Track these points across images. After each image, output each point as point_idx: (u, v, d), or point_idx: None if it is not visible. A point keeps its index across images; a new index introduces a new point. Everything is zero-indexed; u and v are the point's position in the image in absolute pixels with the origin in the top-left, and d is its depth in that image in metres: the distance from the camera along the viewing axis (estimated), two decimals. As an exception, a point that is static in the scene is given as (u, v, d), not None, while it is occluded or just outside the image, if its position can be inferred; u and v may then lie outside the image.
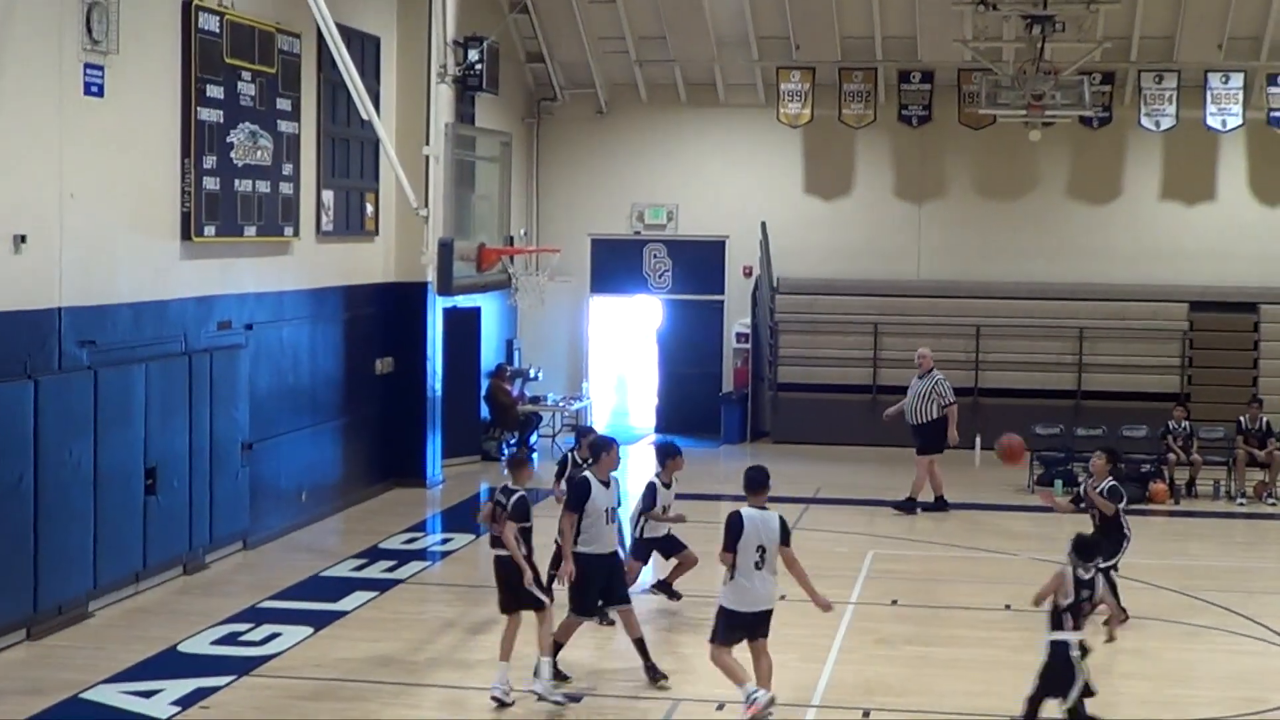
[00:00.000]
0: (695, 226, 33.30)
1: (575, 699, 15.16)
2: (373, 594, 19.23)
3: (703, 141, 33.20)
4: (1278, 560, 23.48)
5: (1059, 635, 13.57)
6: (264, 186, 21.57)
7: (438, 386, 26.98)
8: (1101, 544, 14.44)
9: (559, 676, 15.56)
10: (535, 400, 31.45)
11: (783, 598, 19.12)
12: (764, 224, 32.15)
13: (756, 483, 14.72)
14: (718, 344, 33.44)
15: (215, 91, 20.26)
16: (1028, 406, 29.82)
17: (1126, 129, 31.51)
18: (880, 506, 24.91)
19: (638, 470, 23.71)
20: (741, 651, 14.50)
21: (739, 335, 32.98)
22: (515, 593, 15.21)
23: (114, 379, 17.99)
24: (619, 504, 16.34)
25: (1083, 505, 18.15)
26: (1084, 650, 13.45)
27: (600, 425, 32.92)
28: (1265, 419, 27.06)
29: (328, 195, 23.87)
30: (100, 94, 17.98)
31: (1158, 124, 30.97)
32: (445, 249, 22.56)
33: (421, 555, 21.76)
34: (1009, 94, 27.65)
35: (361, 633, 17.49)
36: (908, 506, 24.74)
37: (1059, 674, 13.51)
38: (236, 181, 20.85)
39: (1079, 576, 13.72)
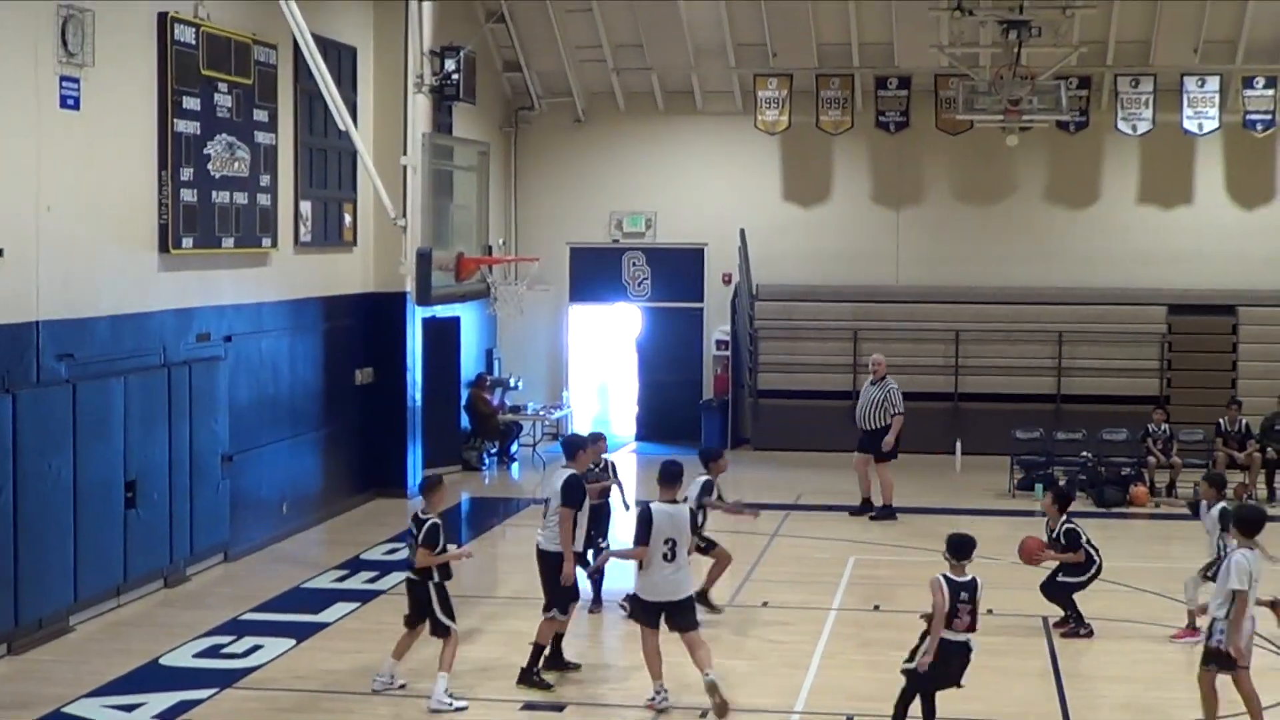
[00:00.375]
0: (674, 234, 33.31)
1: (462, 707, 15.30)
2: (355, 605, 19.21)
3: (681, 149, 33.22)
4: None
5: (949, 635, 13.76)
6: (242, 198, 21.54)
7: (418, 396, 26.96)
8: (974, 542, 14.48)
9: (567, 667, 16.20)
10: (515, 409, 31.42)
11: (765, 604, 19.24)
12: (743, 231, 32.17)
13: (670, 477, 15.34)
14: (698, 351, 33.44)
15: (192, 103, 20.22)
16: (1008, 411, 29.89)
17: (1103, 133, 31.57)
18: (904, 514, 24.91)
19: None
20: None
21: (719, 342, 32.99)
22: (419, 613, 15.59)
23: (93, 392, 17.96)
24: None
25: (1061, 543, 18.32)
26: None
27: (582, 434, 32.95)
28: (1244, 421, 27.14)
29: (305, 206, 23.85)
30: (76, 107, 17.95)
31: (1134, 128, 31.02)
32: (424, 259, 22.55)
33: (403, 566, 21.57)
34: (986, 99, 27.69)
35: (344, 644, 17.47)
36: (885, 513, 24.76)
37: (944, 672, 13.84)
38: (214, 193, 20.81)
39: (952, 579, 13.83)
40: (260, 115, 22.08)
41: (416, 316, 26.75)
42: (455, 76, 26.67)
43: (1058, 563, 18.18)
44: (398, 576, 20.79)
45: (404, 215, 22.29)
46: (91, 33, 17.96)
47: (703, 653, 14.97)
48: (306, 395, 24.14)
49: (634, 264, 33.53)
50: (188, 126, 20.15)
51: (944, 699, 15.20)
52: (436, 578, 15.49)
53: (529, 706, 15.27)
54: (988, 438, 28.95)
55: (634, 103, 33.19)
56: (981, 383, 31.40)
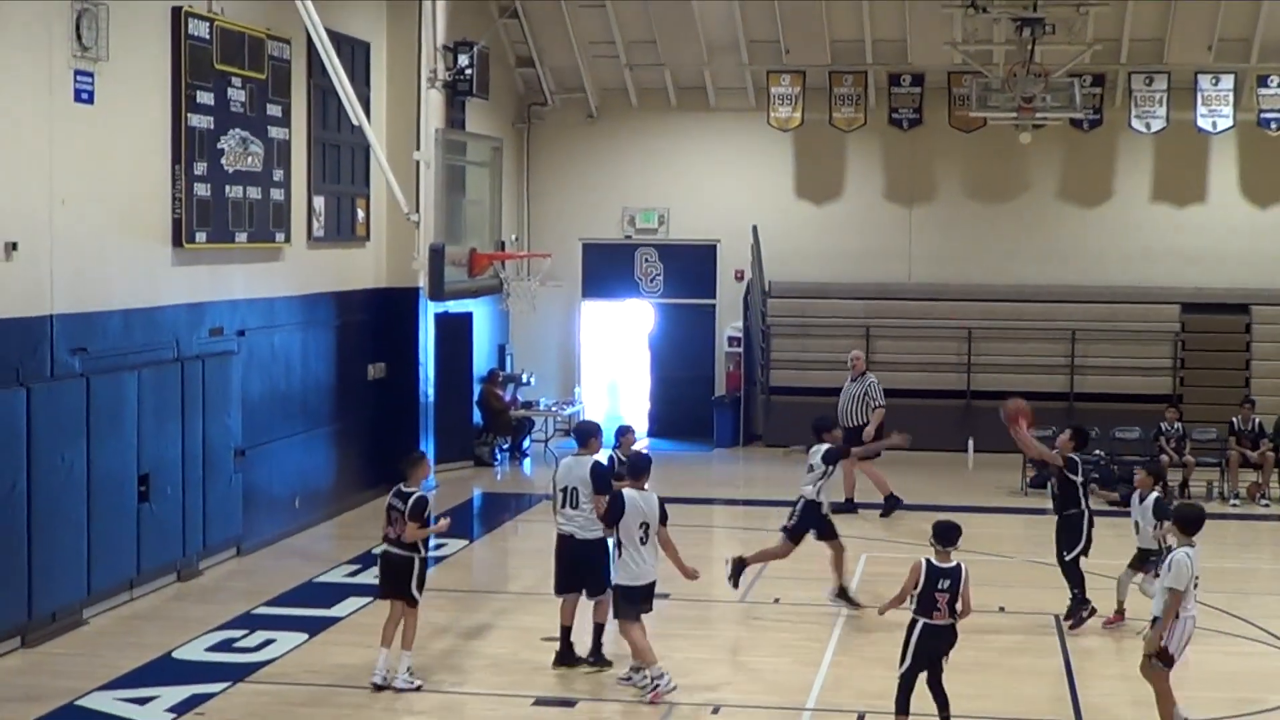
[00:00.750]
0: (686, 230, 33.30)
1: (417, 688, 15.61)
2: (367, 599, 19.17)
3: (693, 146, 33.20)
4: (1272, 561, 23.54)
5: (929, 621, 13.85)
6: (255, 192, 21.55)
7: (430, 392, 26.97)
8: (959, 529, 14.48)
9: (603, 661, 16.35)
10: (528, 405, 31.42)
11: (776, 601, 19.24)
12: (755, 228, 32.14)
13: (639, 468, 15.84)
14: (710, 348, 33.42)
15: (205, 98, 20.24)
16: (1020, 409, 29.82)
17: (1117, 131, 31.52)
18: (871, 510, 24.87)
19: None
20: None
21: (731, 339, 32.96)
22: (397, 585, 15.78)
23: (106, 386, 17.98)
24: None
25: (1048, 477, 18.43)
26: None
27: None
28: (1258, 420, 27.08)
29: (318, 201, 23.86)
30: (90, 101, 17.97)
31: (1148, 126, 30.97)
32: (436, 254, 22.64)
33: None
34: (999, 97, 27.66)
35: (356, 638, 17.45)
36: (888, 506, 24.72)
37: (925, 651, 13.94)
38: (227, 188, 20.83)
39: (935, 565, 13.89)
40: (274, 110, 22.09)
41: (429, 312, 26.76)
42: (468, 72, 26.71)
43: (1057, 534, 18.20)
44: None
45: (417, 210, 22.35)
46: (105, 27, 17.98)
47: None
48: (319, 390, 24.15)
49: (646, 260, 33.52)
50: (201, 121, 20.16)
51: (956, 698, 15.19)
52: (423, 552, 15.80)
53: (540, 702, 15.27)
54: (1000, 436, 28.57)
55: (647, 99, 33.18)
56: (994, 380, 31.30)
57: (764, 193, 32.95)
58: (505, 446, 30.29)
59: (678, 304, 33.53)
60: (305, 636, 17.49)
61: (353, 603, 18.99)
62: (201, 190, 20.18)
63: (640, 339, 34.00)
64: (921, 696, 15.58)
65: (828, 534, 18.95)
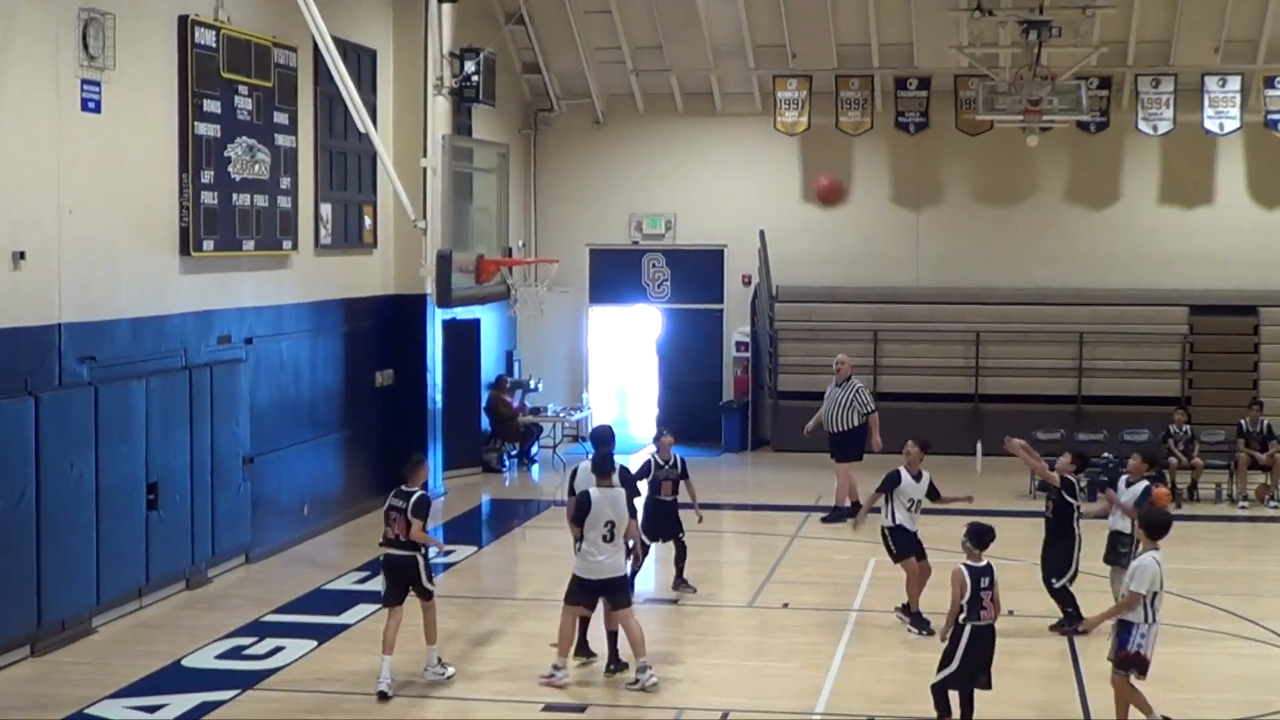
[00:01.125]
0: (694, 236, 33.31)
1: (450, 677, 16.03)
2: (376, 606, 19.13)
3: (700, 151, 33.22)
4: (1280, 563, 23.51)
5: (978, 623, 13.88)
6: (262, 200, 21.58)
7: (438, 398, 26.97)
8: (994, 533, 14.56)
9: (588, 653, 16.57)
10: (536, 411, 31.43)
11: (785, 605, 19.24)
12: (762, 232, 32.17)
13: (604, 468, 16.11)
14: (717, 353, 33.44)
15: (212, 106, 20.26)
16: (1028, 412, 29.84)
17: (1124, 133, 31.52)
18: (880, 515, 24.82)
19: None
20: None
21: (739, 344, 32.98)
22: (403, 586, 15.99)
23: (114, 394, 18.00)
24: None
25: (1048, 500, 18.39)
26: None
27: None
28: (1266, 422, 27.04)
29: (326, 208, 23.88)
30: (98, 110, 17.99)
31: (1155, 128, 30.97)
32: (444, 261, 22.63)
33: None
34: (1006, 100, 27.63)
35: (365, 645, 17.45)
36: (836, 515, 24.64)
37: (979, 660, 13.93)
38: (234, 196, 20.85)
39: (972, 566, 13.92)
40: (280, 118, 22.11)
41: (437, 318, 26.77)
42: (475, 78, 26.71)
43: (1044, 557, 18.18)
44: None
45: (424, 217, 22.34)
46: (112, 36, 18.00)
47: (635, 631, 15.84)
48: (327, 397, 24.17)
49: (654, 265, 33.54)
50: (208, 129, 20.18)
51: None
52: (425, 550, 16.03)
53: (550, 708, 15.27)
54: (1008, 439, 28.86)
55: (653, 104, 33.20)
56: (1002, 384, 31.36)
57: (771, 197, 32.96)
58: (513, 453, 30.30)
59: (685, 309, 33.54)
60: (314, 644, 17.50)
61: (361, 610, 18.99)
62: (209, 198, 20.19)
63: (648, 344, 34.00)
64: (924, 699, 15.59)
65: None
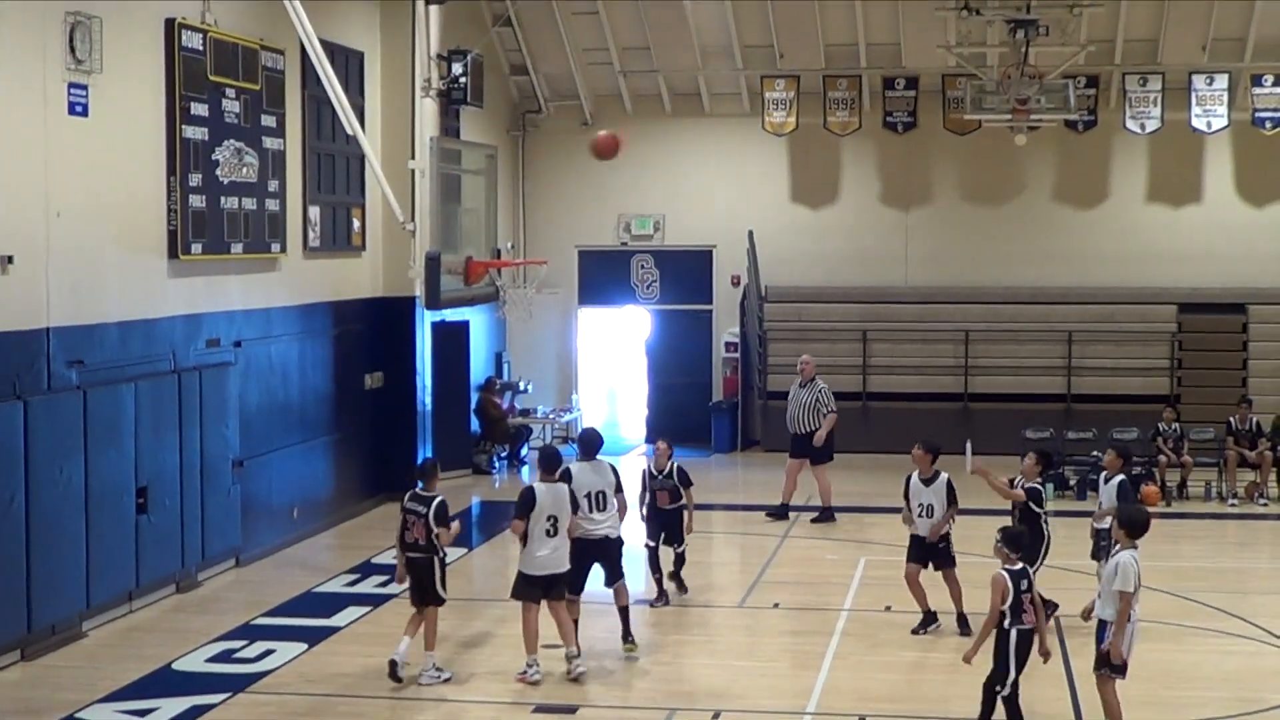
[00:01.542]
0: (682, 236, 33.32)
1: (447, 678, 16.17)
2: (366, 609, 19.22)
3: (688, 151, 33.23)
4: (1270, 560, 23.53)
5: (1021, 626, 13.81)
6: (250, 203, 21.56)
7: (427, 400, 26.97)
8: (1026, 533, 14.60)
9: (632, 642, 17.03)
10: (525, 413, 31.43)
11: (776, 606, 19.25)
12: (751, 233, 32.17)
13: (550, 464, 16.33)
14: (707, 353, 33.44)
15: (200, 109, 20.25)
16: (1018, 411, 29.87)
17: (1112, 132, 31.55)
18: (870, 514, 24.81)
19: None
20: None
21: (728, 344, 33.00)
22: (424, 590, 16.24)
23: (103, 398, 17.98)
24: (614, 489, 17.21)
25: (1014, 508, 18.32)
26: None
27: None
28: (1255, 419, 27.07)
29: (314, 211, 23.87)
30: (85, 113, 17.97)
31: (1143, 126, 31.01)
32: (432, 263, 22.56)
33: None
34: (993, 99, 27.65)
35: (356, 648, 17.47)
36: (826, 516, 24.68)
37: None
38: (222, 199, 20.83)
39: (1012, 570, 13.89)
40: (268, 121, 22.10)
41: (425, 320, 26.78)
42: (462, 80, 26.70)
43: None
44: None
45: (412, 219, 22.29)
46: (99, 39, 17.98)
47: (569, 627, 16.23)
48: (316, 400, 24.16)
49: (643, 266, 33.54)
50: (196, 132, 20.17)
51: (955, 699, 15.22)
52: (442, 553, 16.21)
53: (541, 709, 15.28)
54: (998, 438, 28.77)
55: (641, 105, 33.20)
56: (991, 383, 31.38)
57: (759, 198, 32.98)
58: (503, 454, 30.29)
59: (674, 310, 33.55)
60: (305, 646, 17.49)
61: (352, 612, 19.01)
62: (197, 201, 20.17)
63: (637, 345, 34.01)
64: (914, 699, 15.62)
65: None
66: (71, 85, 17.73)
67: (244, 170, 21.37)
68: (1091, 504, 18.73)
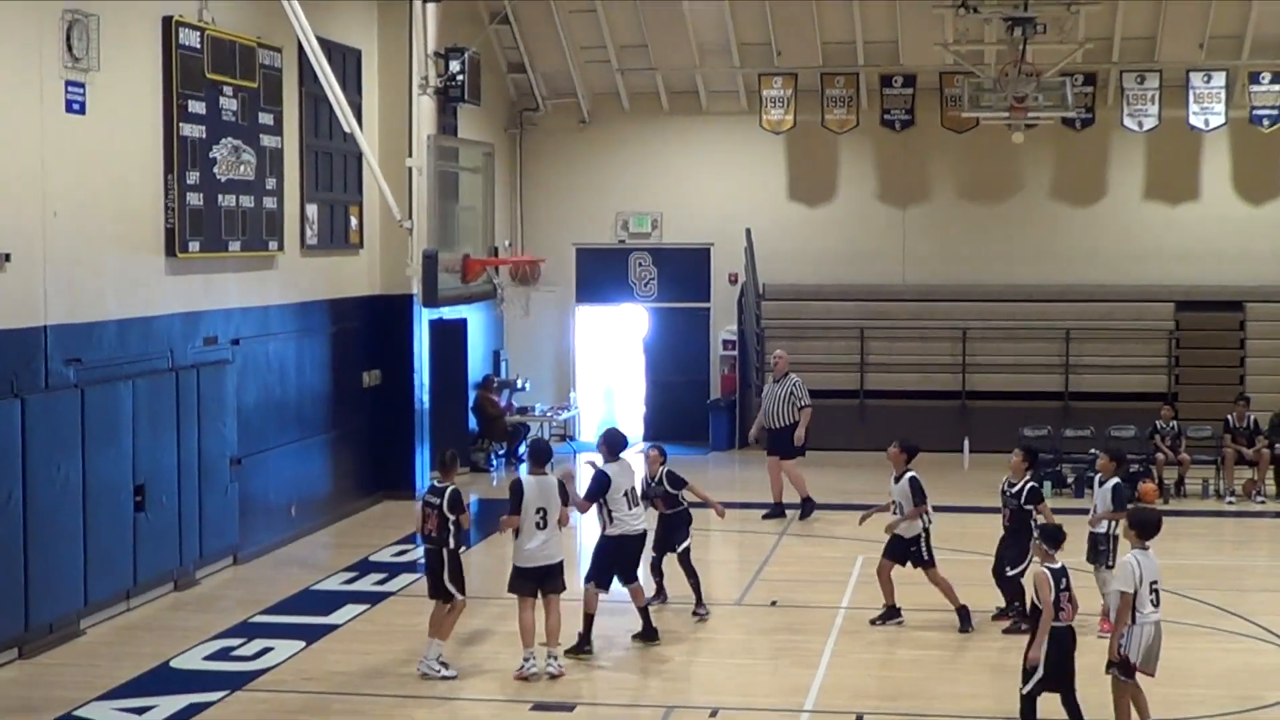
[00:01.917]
0: (680, 234, 33.31)
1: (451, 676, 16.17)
2: (364, 607, 19.22)
3: (686, 149, 33.23)
4: (1268, 558, 23.54)
5: (1057, 624, 13.71)
6: (248, 201, 21.55)
7: (425, 398, 26.96)
8: (1064, 530, 14.57)
9: (584, 650, 16.92)
10: (523, 411, 31.42)
11: (773, 603, 19.25)
12: (749, 231, 32.16)
13: (538, 456, 16.71)
14: (704, 351, 33.44)
15: (197, 107, 20.23)
16: (1015, 409, 29.88)
17: (1109, 130, 31.56)
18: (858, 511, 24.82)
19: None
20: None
21: (725, 342, 33.00)
22: (436, 581, 16.32)
23: (101, 396, 17.97)
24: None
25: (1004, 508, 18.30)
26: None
27: (589, 434, 33.06)
28: (1252, 417, 27.07)
29: (311, 209, 23.85)
30: (82, 111, 17.97)
31: (1140, 124, 31.01)
32: (430, 260, 22.60)
33: (412, 567, 21.70)
34: (991, 96, 27.63)
35: (353, 646, 17.48)
36: (808, 507, 24.71)
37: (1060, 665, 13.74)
38: (220, 197, 20.82)
39: (1053, 569, 13.85)
40: (265, 118, 22.09)
41: (423, 318, 26.76)
42: (460, 78, 26.68)
43: (1003, 549, 18.14)
44: (407, 578, 20.85)
45: (410, 217, 22.34)
46: (96, 37, 17.97)
47: (554, 618, 16.21)
48: (314, 398, 24.15)
49: (640, 264, 33.54)
50: (193, 130, 20.16)
51: (954, 698, 15.23)
52: (451, 544, 16.14)
53: (539, 707, 15.28)
54: (995, 435, 28.84)
55: (639, 103, 33.20)
56: (989, 381, 31.39)
57: (757, 195, 32.98)
58: (501, 452, 30.30)
59: (672, 308, 33.55)
60: (303, 644, 17.49)
61: (350, 610, 19.01)
62: (194, 199, 20.17)
63: (635, 343, 34.00)
64: (912, 696, 15.61)
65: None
66: (69, 83, 17.72)
67: (241, 168, 21.36)
68: (1089, 502, 18.68)
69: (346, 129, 21.00)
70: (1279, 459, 26.69)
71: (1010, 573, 17.92)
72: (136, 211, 19.28)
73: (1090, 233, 32.28)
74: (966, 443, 29.37)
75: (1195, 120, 30.75)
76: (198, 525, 20.08)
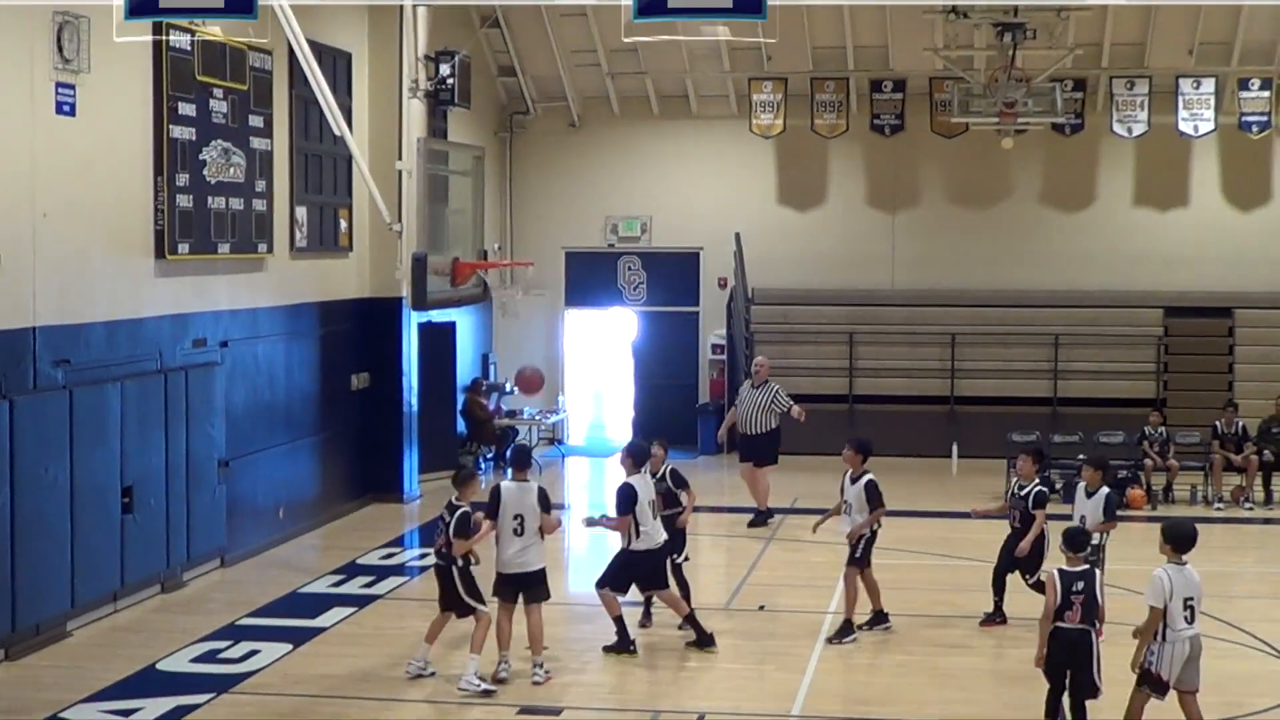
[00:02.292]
0: (669, 238, 33.33)
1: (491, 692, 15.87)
2: (351, 610, 19.20)
3: (676, 153, 33.23)
4: (1256, 565, 23.57)
5: (1060, 624, 13.74)
6: (237, 203, 21.54)
7: (414, 401, 26.94)
8: (1089, 536, 14.55)
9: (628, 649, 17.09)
10: (511, 414, 31.41)
11: (761, 608, 19.25)
12: (738, 235, 32.17)
13: (520, 462, 16.67)
14: (693, 355, 33.44)
15: (187, 109, 20.22)
16: (1004, 414, 29.87)
17: (1099, 135, 31.60)
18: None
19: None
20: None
21: (714, 346, 32.99)
22: (450, 597, 16.25)
23: (89, 398, 17.95)
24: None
25: (1013, 510, 18.34)
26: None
27: (577, 438, 33.11)
28: (1241, 423, 27.10)
29: (301, 211, 23.84)
30: (72, 113, 17.95)
31: (1130, 130, 31.06)
32: (419, 264, 22.52)
33: (399, 570, 21.71)
34: (981, 102, 27.70)
35: (340, 649, 17.46)
36: (761, 518, 24.71)
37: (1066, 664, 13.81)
38: (210, 199, 20.81)
39: (1066, 570, 13.80)
40: (256, 121, 22.08)
41: (412, 321, 26.74)
42: (450, 81, 26.65)
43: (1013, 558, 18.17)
44: (394, 581, 20.85)
45: (399, 220, 22.26)
46: (87, 39, 17.96)
47: (535, 623, 16.18)
48: (303, 401, 24.13)
49: (629, 268, 33.55)
50: (183, 132, 20.14)
51: (946, 703, 15.23)
52: (460, 562, 16.08)
53: (526, 710, 15.28)
54: (984, 441, 28.95)
55: (629, 107, 33.21)
56: (978, 386, 31.42)
57: (747, 200, 33.00)
58: (489, 456, 30.28)
59: (661, 312, 33.56)
60: (290, 647, 17.47)
61: (337, 613, 18.99)
62: (184, 201, 20.15)
63: (624, 347, 34.00)
64: (899, 701, 15.61)
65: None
66: (59, 85, 17.70)
67: (231, 170, 21.35)
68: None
69: (336, 132, 20.97)
70: (1267, 465, 26.72)
71: (1030, 581, 17.95)
72: (126, 213, 19.26)
73: (1079, 238, 32.32)
74: (955, 448, 29.38)
75: (1184, 126, 30.80)
76: (185, 527, 20.05)
